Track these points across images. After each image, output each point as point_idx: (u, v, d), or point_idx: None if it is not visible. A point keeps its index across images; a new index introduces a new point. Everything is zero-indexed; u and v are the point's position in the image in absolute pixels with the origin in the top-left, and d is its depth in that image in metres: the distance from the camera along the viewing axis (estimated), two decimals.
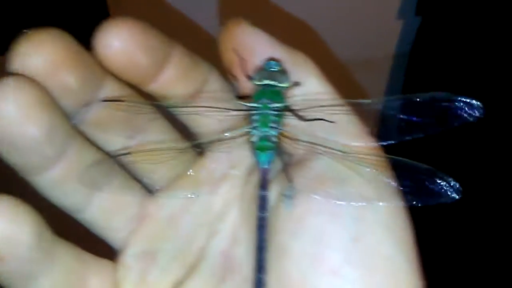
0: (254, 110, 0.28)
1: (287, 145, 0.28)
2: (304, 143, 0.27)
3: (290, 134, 0.28)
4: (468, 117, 0.25)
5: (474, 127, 0.26)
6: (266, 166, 0.28)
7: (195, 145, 0.29)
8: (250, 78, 0.27)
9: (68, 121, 0.26)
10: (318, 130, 0.27)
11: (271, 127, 0.28)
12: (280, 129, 0.28)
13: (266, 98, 0.27)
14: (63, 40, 0.25)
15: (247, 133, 0.29)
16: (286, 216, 0.26)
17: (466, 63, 0.69)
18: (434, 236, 0.62)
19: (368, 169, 0.26)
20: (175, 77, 0.27)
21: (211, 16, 0.65)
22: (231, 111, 0.29)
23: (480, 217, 0.68)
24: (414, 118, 0.26)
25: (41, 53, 0.24)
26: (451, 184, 0.25)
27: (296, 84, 0.27)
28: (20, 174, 0.26)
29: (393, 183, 0.26)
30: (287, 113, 0.28)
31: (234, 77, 0.28)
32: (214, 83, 0.29)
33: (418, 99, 0.26)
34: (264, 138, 0.28)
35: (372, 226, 0.24)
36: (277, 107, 0.28)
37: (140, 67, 0.26)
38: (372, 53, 0.78)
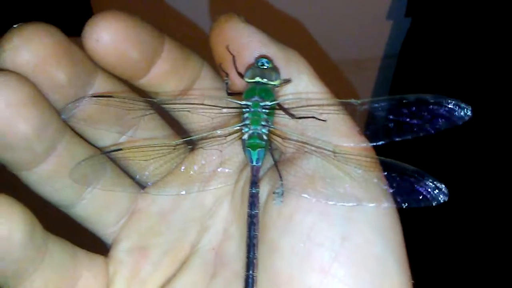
0: (245, 108, 0.28)
1: (278, 143, 0.28)
2: (294, 142, 0.27)
3: (280, 132, 0.28)
4: (457, 120, 0.25)
5: (463, 128, 0.26)
6: (256, 164, 0.28)
7: (187, 141, 0.29)
8: (241, 75, 0.27)
9: (58, 117, 0.26)
10: (308, 129, 0.27)
11: (262, 125, 0.28)
12: (271, 127, 0.28)
13: (257, 96, 0.27)
14: (52, 34, 0.25)
15: (238, 131, 0.29)
16: (276, 213, 0.26)
17: (456, 65, 0.70)
18: (423, 236, 0.62)
19: (358, 170, 0.26)
20: (166, 71, 0.27)
21: (203, 12, 0.64)
22: (222, 108, 0.29)
23: (468, 218, 0.69)
24: (402, 119, 0.26)
25: (30, 48, 0.24)
26: (439, 187, 0.25)
27: (287, 81, 0.27)
28: (10, 170, 0.25)
29: (383, 184, 0.26)
30: (277, 111, 0.28)
31: (225, 73, 0.28)
32: (206, 78, 0.29)
33: (406, 101, 0.26)
34: (255, 135, 0.28)
35: (361, 225, 0.24)
36: (267, 105, 0.28)
37: (130, 61, 0.26)
38: (361, 53, 0.78)
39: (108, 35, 0.24)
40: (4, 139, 0.24)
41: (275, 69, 0.27)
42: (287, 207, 0.25)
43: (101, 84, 0.27)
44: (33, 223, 0.24)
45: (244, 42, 0.26)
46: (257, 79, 0.27)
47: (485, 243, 0.69)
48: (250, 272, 0.26)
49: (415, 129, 0.26)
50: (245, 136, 0.28)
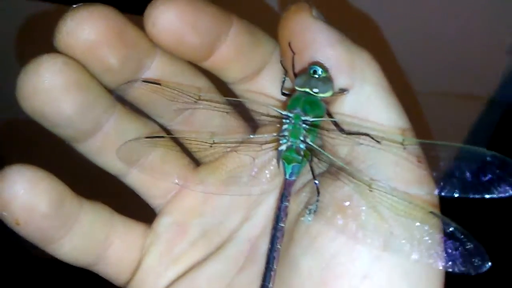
0: (285, 119, 0.26)
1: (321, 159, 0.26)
2: (334, 168, 0.25)
3: (318, 153, 0.26)
4: None
5: None
6: (289, 178, 0.27)
7: (223, 142, 0.29)
8: (295, 76, 0.25)
9: (107, 97, 0.26)
10: (361, 158, 0.24)
11: (301, 140, 0.26)
12: (309, 144, 0.26)
13: (299, 108, 0.26)
14: (107, 16, 0.25)
15: (276, 140, 0.27)
16: (304, 229, 0.25)
17: None
18: None
19: (413, 223, 0.23)
20: (230, 56, 0.26)
21: None
22: (262, 115, 0.28)
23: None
24: (484, 178, 0.23)
25: (82, 31, 0.24)
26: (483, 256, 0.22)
27: (342, 91, 0.24)
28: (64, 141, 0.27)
29: (436, 244, 0.23)
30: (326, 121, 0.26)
31: (285, 70, 0.26)
32: (276, 64, 0.27)
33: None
34: (293, 149, 0.26)
35: (388, 268, 0.22)
36: (308, 121, 0.26)
37: (188, 46, 0.25)
38: (464, 88, 0.67)
39: (163, 20, 0.24)
40: (50, 118, 0.25)
41: (328, 79, 0.24)
42: (314, 225, 0.24)
43: (158, 65, 0.27)
44: (62, 195, 0.26)
45: (308, 40, 0.24)
46: (306, 89, 0.25)
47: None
48: (267, 283, 0.25)
49: (494, 192, 0.22)
50: (283, 147, 0.27)
